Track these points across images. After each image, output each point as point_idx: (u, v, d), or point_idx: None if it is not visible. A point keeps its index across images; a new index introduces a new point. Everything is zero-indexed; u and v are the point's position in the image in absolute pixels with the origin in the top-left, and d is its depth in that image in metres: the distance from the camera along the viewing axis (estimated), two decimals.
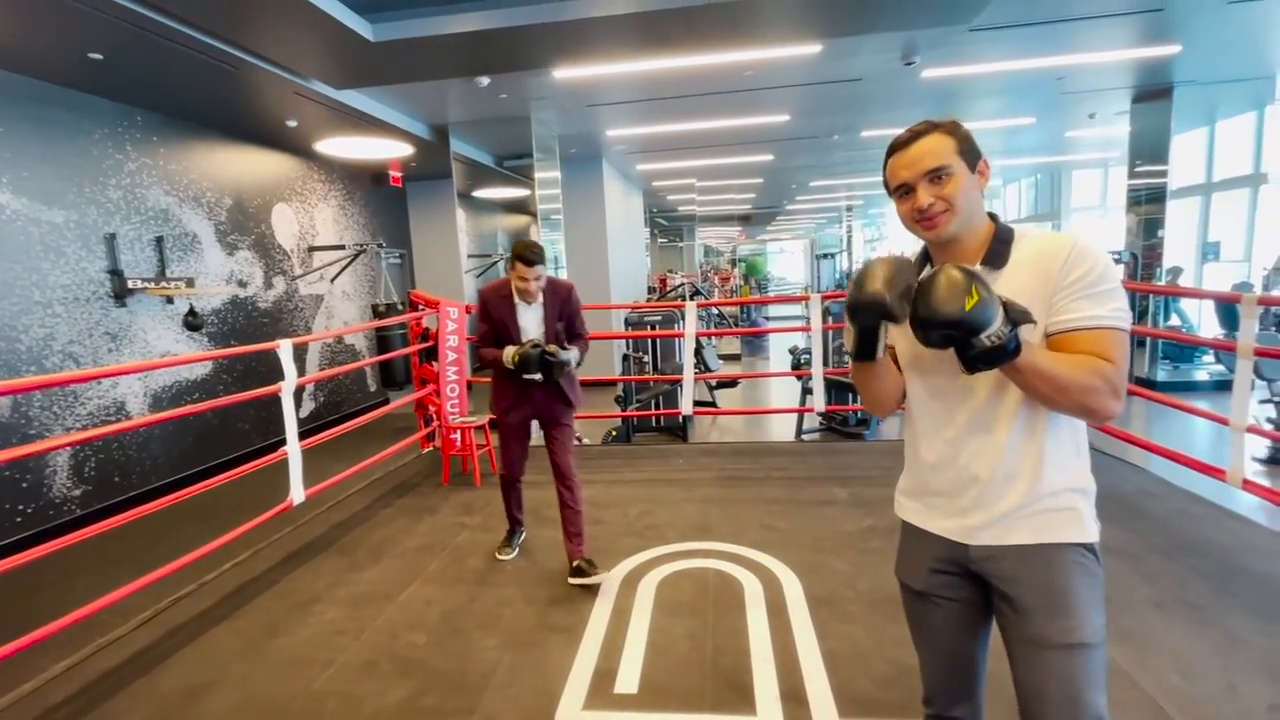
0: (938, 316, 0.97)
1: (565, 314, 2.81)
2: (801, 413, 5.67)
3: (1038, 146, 10.01)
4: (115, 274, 4.59)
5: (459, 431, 4.30)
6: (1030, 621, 1.11)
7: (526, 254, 2.62)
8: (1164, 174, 6.95)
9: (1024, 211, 14.16)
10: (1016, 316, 0.99)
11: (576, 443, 5.59)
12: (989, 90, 6.55)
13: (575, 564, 2.76)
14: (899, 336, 1.24)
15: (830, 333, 6.00)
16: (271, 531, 3.37)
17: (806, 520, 3.30)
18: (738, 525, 3.27)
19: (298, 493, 3.22)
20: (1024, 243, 1.13)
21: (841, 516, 3.33)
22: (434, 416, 4.72)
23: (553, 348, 2.68)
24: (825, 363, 4.80)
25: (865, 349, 1.13)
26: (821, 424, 5.86)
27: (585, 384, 3.23)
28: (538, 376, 2.71)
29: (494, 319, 2.77)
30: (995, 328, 0.96)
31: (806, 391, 5.69)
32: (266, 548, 3.29)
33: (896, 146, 1.16)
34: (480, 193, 9.80)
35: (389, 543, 3.29)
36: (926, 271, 1.19)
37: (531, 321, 2.78)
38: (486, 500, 3.80)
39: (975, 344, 0.98)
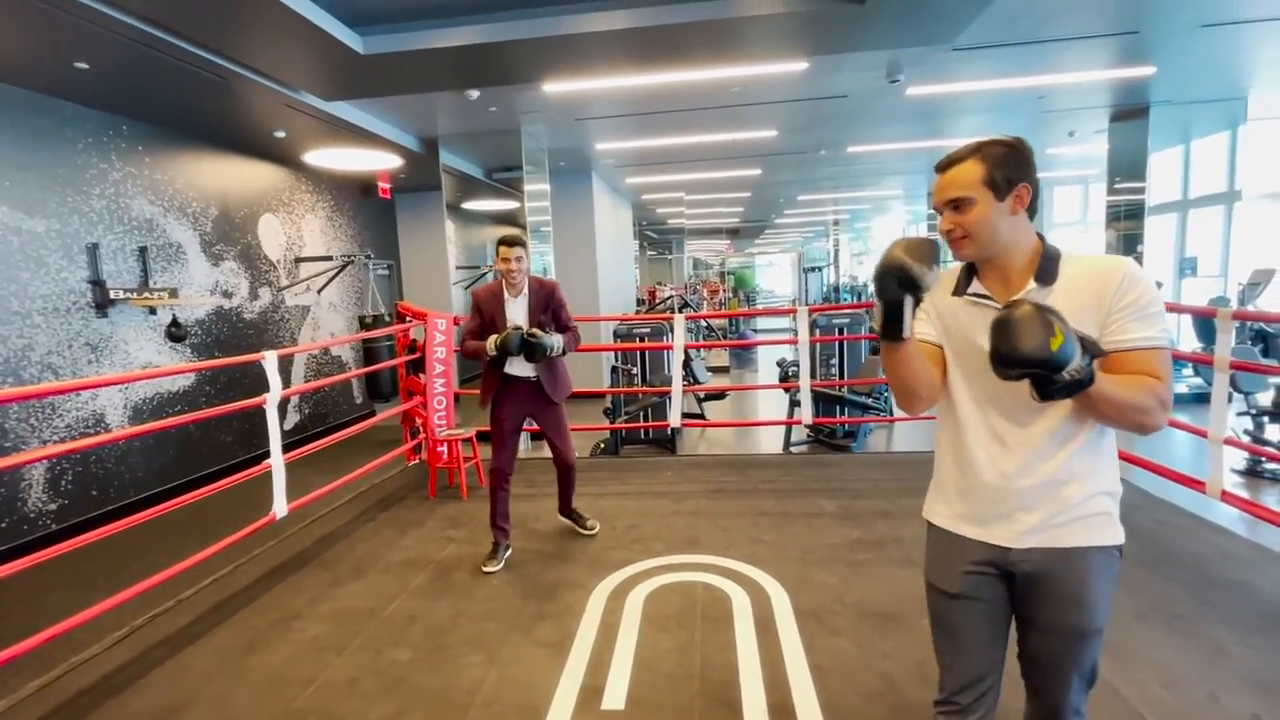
0: (1022, 355, 0.99)
1: (550, 307, 3.00)
2: (789, 425, 5.69)
3: None
4: (97, 284, 4.54)
5: (445, 444, 4.27)
6: (1056, 610, 1.22)
7: (505, 236, 2.93)
8: (1142, 190, 7.10)
9: None
10: (1093, 350, 1.03)
11: None
12: (972, 108, 6.68)
13: (569, 510, 3.37)
14: (948, 343, 1.28)
15: (818, 345, 6.04)
16: (253, 546, 3.32)
17: (794, 533, 3.30)
18: (726, 538, 3.26)
19: (280, 506, 3.18)
20: (1074, 262, 1.18)
21: (829, 529, 3.33)
22: (420, 429, 4.68)
23: (534, 330, 2.86)
24: (813, 375, 4.83)
25: (892, 326, 1.13)
26: (809, 436, 5.88)
27: (574, 396, 3.23)
28: (524, 368, 2.97)
29: (484, 315, 2.98)
30: (1076, 363, 0.99)
31: (794, 404, 5.71)
32: (247, 562, 3.24)
33: (937, 169, 1.24)
34: (469, 204, 9.81)
35: (373, 557, 3.25)
36: (972, 290, 1.24)
37: (519, 313, 2.98)
38: (473, 514, 3.77)
39: (1057, 379, 1.00)
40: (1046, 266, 1.18)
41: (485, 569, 3.00)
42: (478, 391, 3.11)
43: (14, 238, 4.05)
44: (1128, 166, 7.20)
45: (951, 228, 1.19)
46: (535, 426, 3.25)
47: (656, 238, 18.90)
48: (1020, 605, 1.27)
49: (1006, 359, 1.01)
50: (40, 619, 2.23)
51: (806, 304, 17.31)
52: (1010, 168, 1.16)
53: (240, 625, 2.64)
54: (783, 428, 5.90)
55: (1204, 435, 3.03)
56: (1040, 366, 0.99)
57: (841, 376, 6.10)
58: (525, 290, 2.98)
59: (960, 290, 1.25)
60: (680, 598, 2.70)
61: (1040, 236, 1.22)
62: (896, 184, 12.23)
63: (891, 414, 6.14)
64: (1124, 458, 3.63)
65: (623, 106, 5.81)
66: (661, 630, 2.45)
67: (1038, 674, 1.28)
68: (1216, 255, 8.07)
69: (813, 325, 4.90)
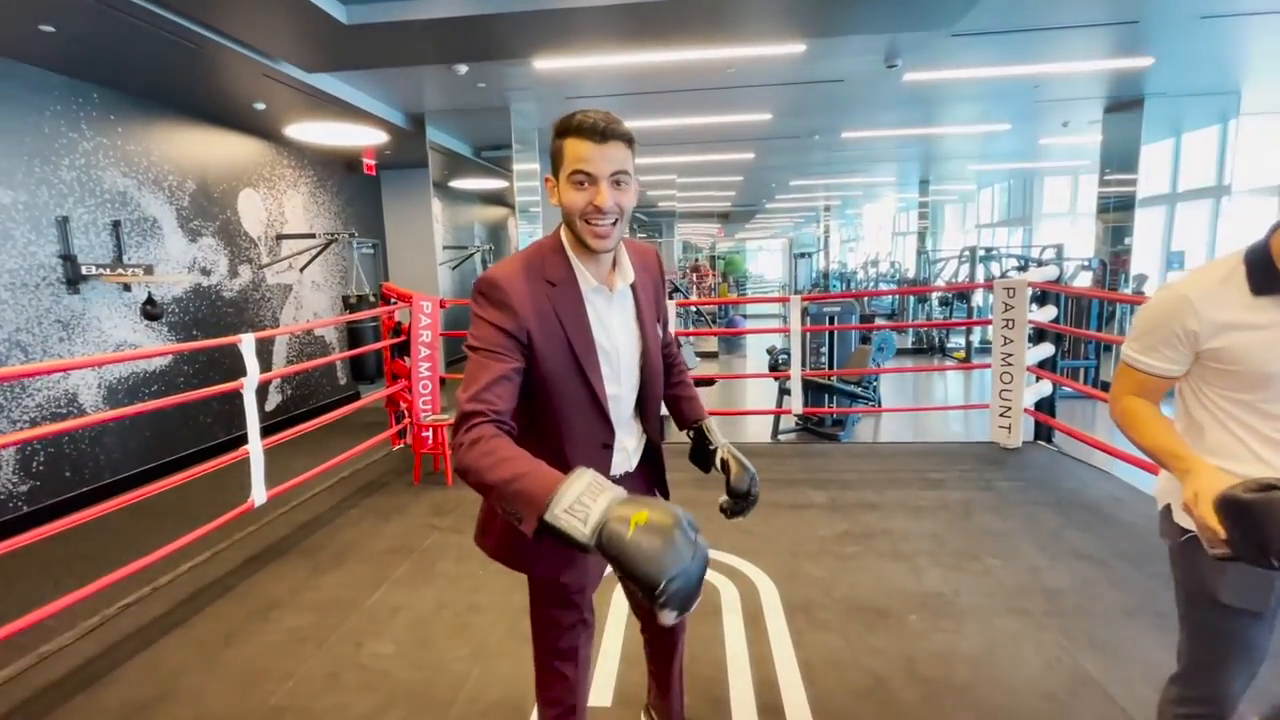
0: None
1: (660, 309, 1.39)
2: (778, 414, 5.67)
3: (1011, 153, 10.17)
4: (68, 259, 4.37)
5: (431, 429, 4.20)
6: None
7: (593, 119, 1.10)
8: (1133, 183, 7.10)
9: (996, 216, 14.41)
10: None
11: None
12: (967, 96, 6.61)
13: None
14: (1229, 351, 1.14)
15: (808, 334, 6.01)
16: (232, 531, 3.24)
17: (783, 524, 3.28)
18: (714, 529, 3.23)
19: (259, 494, 3.10)
20: None
21: (818, 521, 3.32)
22: (405, 413, 4.60)
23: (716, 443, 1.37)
24: (803, 364, 4.80)
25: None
26: (797, 424, 5.87)
27: None
28: (627, 454, 1.36)
29: (538, 346, 1.16)
30: None
31: (784, 392, 5.69)
32: (225, 549, 3.16)
33: None
34: (457, 183, 9.61)
35: (355, 545, 3.19)
36: None
37: (620, 328, 1.27)
38: (458, 500, 3.71)
39: None
40: None
41: None
42: (459, 377, 1.72)
43: None
44: (1120, 158, 7.20)
45: None
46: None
47: (647, 220, 18.73)
48: None
49: None
50: (9, 606, 2.15)
51: (796, 290, 17.30)
52: None
53: (217, 616, 2.57)
54: (771, 415, 5.89)
55: None
56: None
57: (831, 366, 6.08)
58: (629, 269, 1.27)
59: (1264, 290, 1.11)
60: None
61: None
62: (890, 171, 12.16)
63: (879, 403, 6.15)
64: (1109, 451, 3.65)
65: (615, 85, 5.68)
66: None
67: None
68: (1203, 249, 8.12)
69: (803, 313, 4.85)
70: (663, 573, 0.79)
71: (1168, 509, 1.30)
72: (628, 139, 1.14)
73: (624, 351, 1.26)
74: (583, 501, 0.87)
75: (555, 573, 1.31)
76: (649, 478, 1.45)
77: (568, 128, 1.12)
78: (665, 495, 1.47)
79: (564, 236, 1.21)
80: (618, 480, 1.26)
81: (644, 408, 1.35)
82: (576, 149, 1.11)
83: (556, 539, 0.87)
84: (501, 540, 1.29)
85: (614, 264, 1.25)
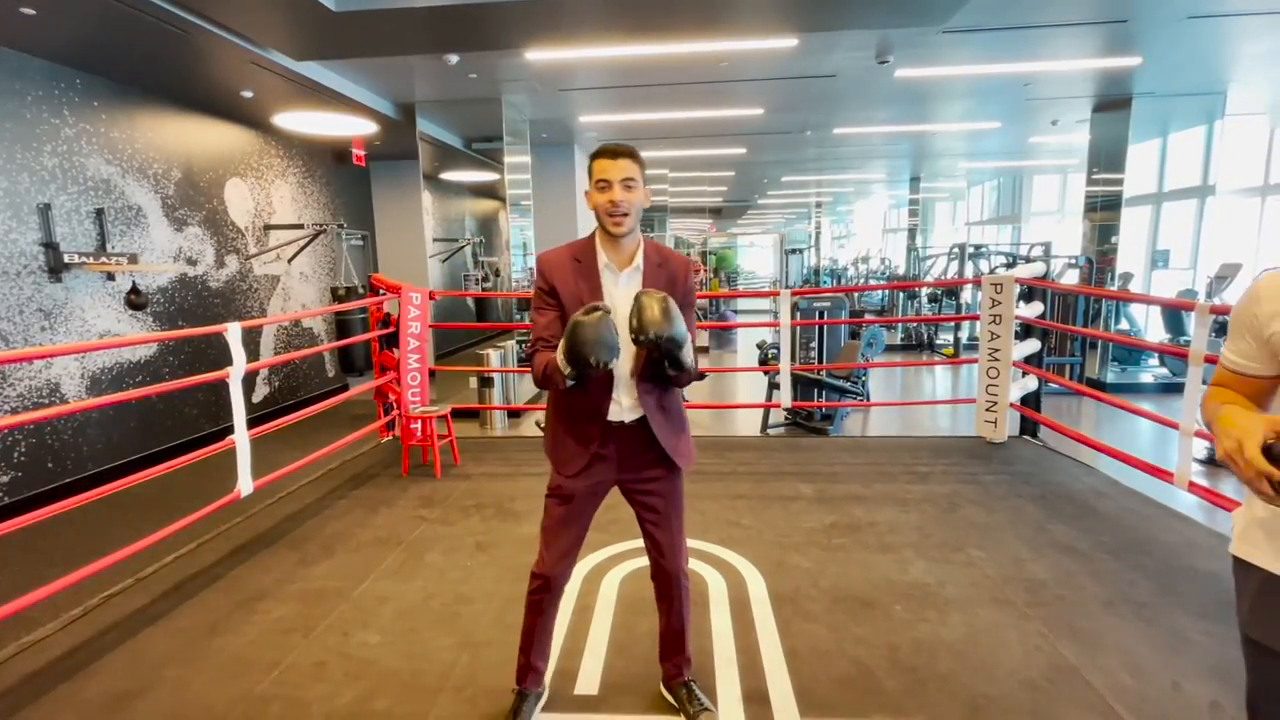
0: None
1: (676, 300, 1.61)
2: (767, 408, 5.69)
3: (1001, 151, 10.24)
4: (50, 247, 4.30)
5: (419, 421, 4.18)
6: None
7: (607, 145, 1.64)
8: (1120, 182, 7.17)
9: (986, 213, 14.51)
10: None
11: (539, 430, 5.49)
12: (959, 93, 6.65)
13: (676, 684, 1.95)
14: None
15: (798, 329, 6.03)
16: (217, 523, 3.22)
17: (771, 517, 3.30)
18: (703, 521, 3.25)
19: (246, 484, 3.07)
20: None
21: (805, 513, 3.34)
22: (394, 405, 4.58)
23: (649, 293, 1.54)
24: (792, 358, 4.82)
25: None
26: (787, 419, 5.89)
27: None
28: (627, 405, 1.72)
29: (562, 300, 1.66)
30: None
31: (773, 386, 5.71)
32: (211, 540, 3.14)
33: None
34: (447, 175, 9.56)
35: (343, 536, 3.17)
36: None
37: (621, 297, 1.66)
38: (446, 492, 3.71)
39: None
40: None
41: None
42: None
43: None
44: (1107, 157, 7.26)
45: None
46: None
47: None
48: None
49: None
50: None
51: (788, 286, 17.34)
52: None
53: (202, 606, 2.56)
54: (760, 409, 5.90)
55: (1174, 426, 3.08)
56: None
57: (820, 360, 6.10)
58: (640, 258, 1.70)
59: None
60: None
61: None
62: (880, 168, 12.22)
63: (868, 398, 6.18)
64: (1094, 446, 3.70)
65: (608, 78, 5.66)
66: (637, 614, 2.43)
67: None
68: (1188, 248, 8.22)
69: (794, 308, 4.87)
70: (588, 349, 1.47)
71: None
72: (638, 158, 1.67)
73: (623, 313, 1.61)
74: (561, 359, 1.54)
75: (570, 470, 1.77)
76: (639, 437, 1.75)
77: (598, 153, 1.65)
78: (663, 459, 1.77)
79: (592, 203, 1.68)
80: (615, 427, 1.74)
81: (640, 370, 1.70)
82: (601, 166, 1.64)
83: (577, 373, 1.56)
84: (556, 460, 1.80)
85: (631, 255, 1.72)
